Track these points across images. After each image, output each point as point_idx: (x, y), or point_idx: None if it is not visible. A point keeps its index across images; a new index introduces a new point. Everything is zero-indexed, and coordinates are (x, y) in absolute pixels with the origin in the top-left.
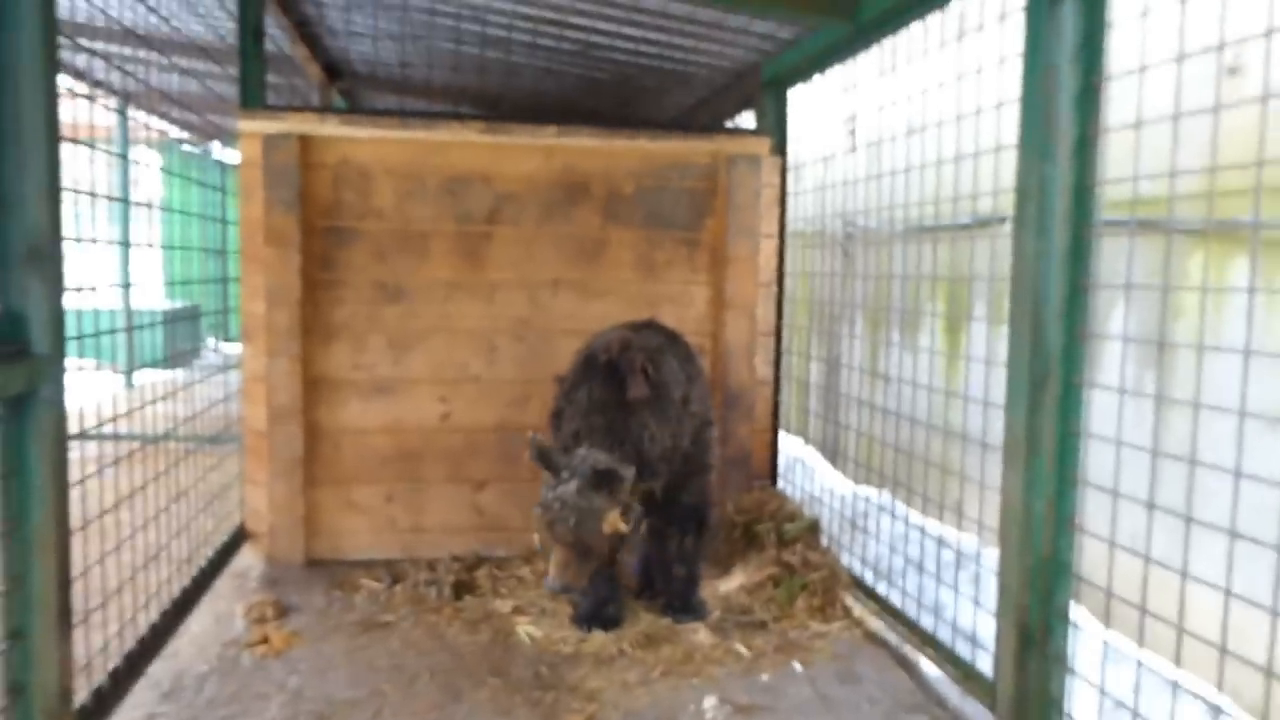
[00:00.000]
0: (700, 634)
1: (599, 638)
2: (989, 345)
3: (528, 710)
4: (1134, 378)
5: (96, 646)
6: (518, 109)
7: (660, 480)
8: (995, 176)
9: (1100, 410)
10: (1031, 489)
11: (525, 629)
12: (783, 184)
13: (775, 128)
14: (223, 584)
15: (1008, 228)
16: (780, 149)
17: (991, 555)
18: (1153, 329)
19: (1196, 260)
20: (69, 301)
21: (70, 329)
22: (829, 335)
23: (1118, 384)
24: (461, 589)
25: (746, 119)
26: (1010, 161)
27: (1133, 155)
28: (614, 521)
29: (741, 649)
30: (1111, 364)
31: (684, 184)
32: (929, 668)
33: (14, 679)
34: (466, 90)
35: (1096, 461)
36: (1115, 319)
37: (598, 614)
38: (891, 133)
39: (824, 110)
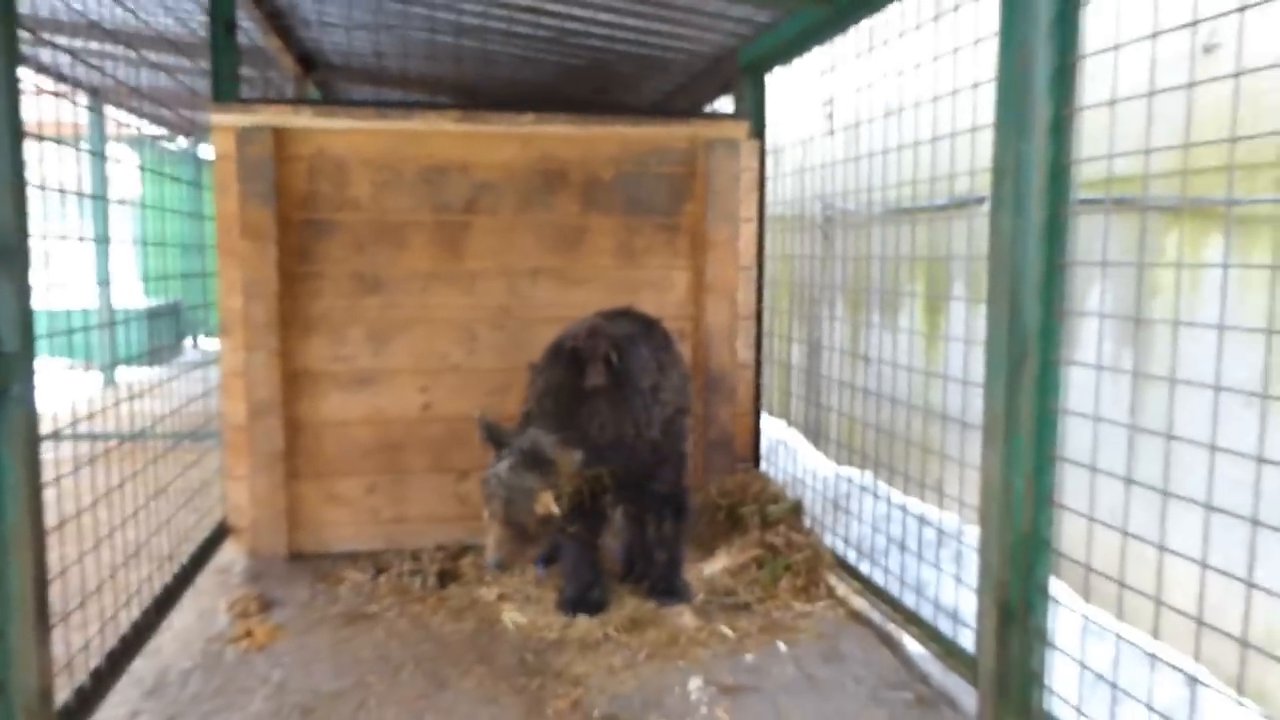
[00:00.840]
0: (685, 617)
1: (584, 623)
2: (968, 324)
3: (513, 697)
4: (1111, 355)
5: (77, 645)
6: (495, 98)
7: (610, 467)
8: (972, 156)
9: (1078, 387)
10: (1011, 466)
11: (510, 616)
12: (761, 168)
13: (753, 112)
14: (205, 580)
15: (985, 207)
16: (759, 133)
17: (972, 533)
18: (1130, 306)
19: (1172, 237)
20: (46, 300)
21: (47, 327)
22: (810, 318)
23: (1095, 361)
24: (446, 578)
25: (725, 104)
26: (987, 141)
27: (1108, 133)
28: (545, 503)
29: (726, 630)
30: (1089, 341)
31: (663, 169)
32: (912, 645)
33: None
34: (443, 80)
35: (1075, 438)
36: (1093, 297)
37: (582, 600)
38: (869, 114)
39: (802, 93)
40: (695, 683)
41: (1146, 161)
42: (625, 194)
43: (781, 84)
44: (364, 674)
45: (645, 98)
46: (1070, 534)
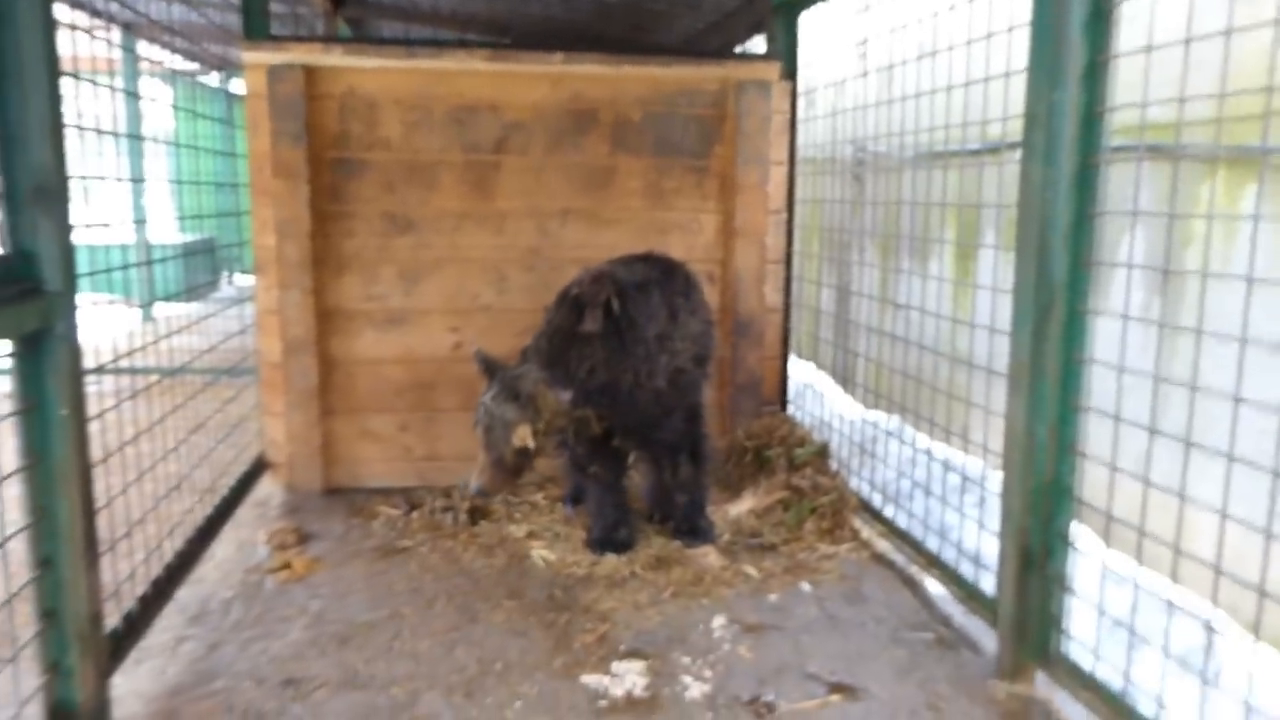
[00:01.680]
0: (710, 556)
1: (611, 561)
2: (998, 272)
3: (542, 631)
4: (1141, 305)
5: (124, 574)
6: (527, 36)
7: (601, 411)
8: (1005, 102)
9: (1106, 337)
10: (1035, 414)
11: (539, 553)
12: (793, 110)
13: (786, 52)
14: (244, 512)
15: (1018, 154)
16: (791, 74)
17: (996, 479)
18: (1161, 256)
19: (1206, 187)
20: (84, 238)
21: (86, 265)
22: (839, 263)
23: (1124, 311)
24: (477, 515)
25: (757, 44)
26: (1021, 87)
27: (1143, 80)
28: (522, 436)
29: (751, 570)
30: (1119, 291)
31: (693, 111)
32: (934, 587)
33: (46, 605)
34: (475, 17)
35: (1100, 387)
36: (1124, 246)
37: (609, 539)
38: (904, 56)
39: (836, 34)
40: (719, 620)
41: (1181, 109)
42: (655, 135)
43: (815, 24)
44: (398, 606)
45: (677, 37)
46: (1093, 482)
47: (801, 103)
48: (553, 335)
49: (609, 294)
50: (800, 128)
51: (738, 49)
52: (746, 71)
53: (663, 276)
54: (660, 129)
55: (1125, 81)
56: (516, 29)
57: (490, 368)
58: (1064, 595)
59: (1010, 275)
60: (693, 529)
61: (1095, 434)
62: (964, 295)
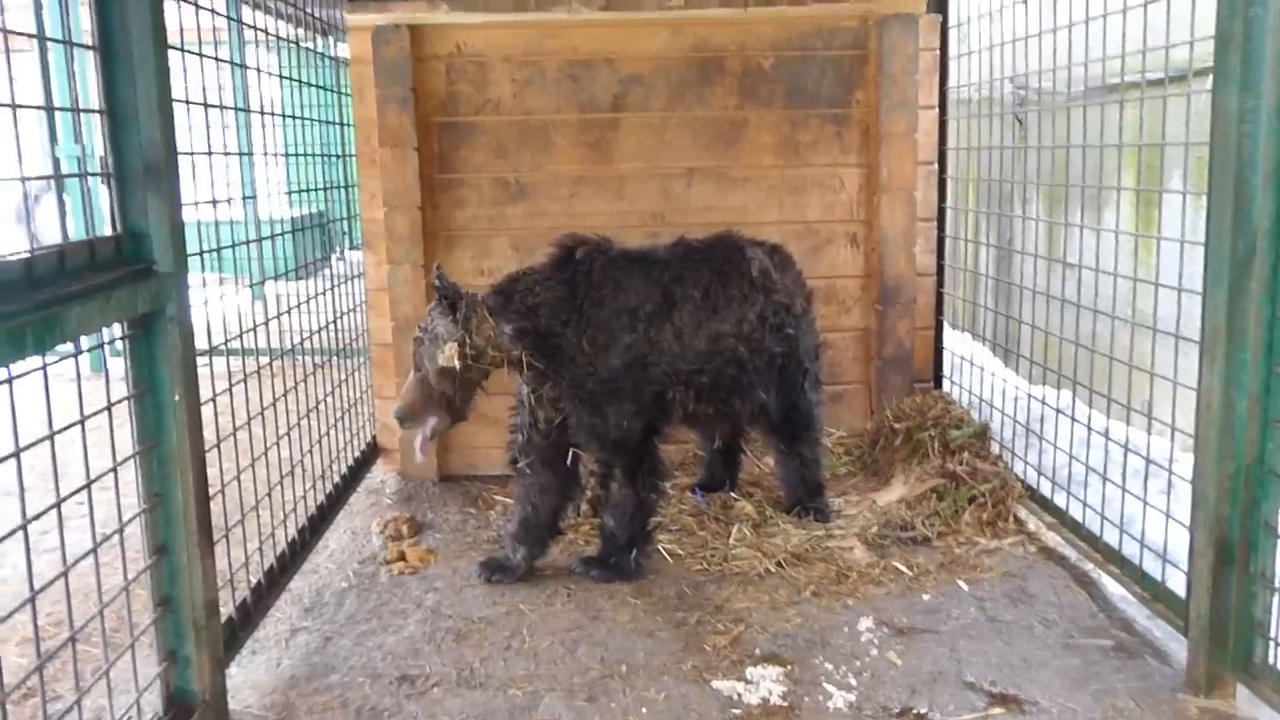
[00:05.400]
0: (856, 551)
1: (746, 555)
2: (1187, 222)
3: (670, 631)
4: None
5: (237, 562)
6: None
7: (532, 357)
8: (1192, 22)
9: None
10: (1233, 384)
11: (667, 546)
12: (943, 46)
13: None
14: (357, 500)
15: (1208, 82)
16: (940, 5)
17: (1186, 461)
18: None
19: None
20: (192, 215)
21: (194, 243)
22: (1000, 218)
23: None
24: (597, 505)
25: None
26: (1209, 4)
27: None
28: (450, 353)
29: (901, 566)
30: None
31: (829, 53)
32: (1112, 586)
33: (163, 592)
34: None
35: None
36: None
37: (496, 560)
38: None
39: None
40: (865, 622)
41: None
42: (788, 83)
43: None
44: (516, 601)
45: None
46: None
47: (953, 37)
48: (524, 272)
49: (581, 243)
50: (952, 65)
51: None
52: (889, 4)
53: (709, 264)
54: (794, 76)
55: None
56: None
57: (443, 288)
58: (1270, 595)
59: (1201, 225)
60: (799, 504)
61: None
62: (1146, 250)
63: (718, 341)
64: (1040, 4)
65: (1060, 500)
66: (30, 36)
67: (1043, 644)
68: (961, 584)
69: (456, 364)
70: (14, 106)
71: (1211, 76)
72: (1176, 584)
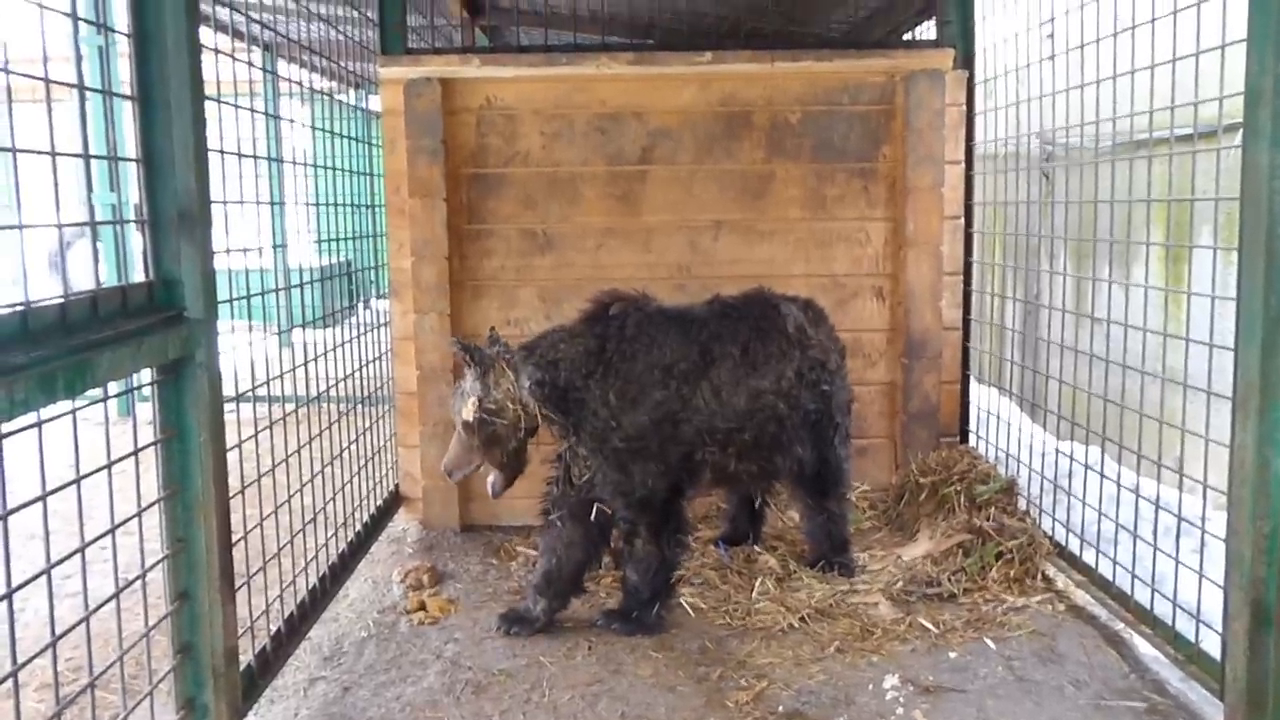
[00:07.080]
0: (881, 607)
1: (769, 610)
2: (1218, 277)
3: (693, 686)
4: None
5: (257, 609)
6: (672, 35)
7: (547, 408)
8: (1221, 78)
9: None
10: (1267, 442)
11: (689, 600)
12: (970, 101)
13: (960, 37)
14: (379, 549)
15: (1238, 138)
16: (966, 61)
17: (1220, 519)
18: None
19: None
20: (223, 263)
21: (223, 290)
22: (1027, 272)
23: None
24: (620, 557)
25: (927, 30)
26: (1240, 59)
27: None
28: (470, 408)
29: (926, 623)
30: None
31: (856, 108)
32: (1144, 647)
33: (183, 639)
34: (616, 18)
35: None
36: None
37: (517, 613)
38: (1097, 33)
39: (1016, 11)
40: (891, 680)
41: None
42: (815, 137)
43: (992, 2)
44: (537, 654)
45: (835, 28)
46: None
47: (979, 92)
48: (556, 327)
49: (618, 299)
50: (978, 120)
51: (905, 36)
52: (916, 60)
53: (746, 322)
54: (821, 130)
55: None
56: (660, 28)
57: (465, 350)
58: None
59: (1233, 280)
60: (821, 560)
61: None
62: (1176, 305)
63: (758, 399)
64: (1068, 60)
65: (1089, 557)
66: (71, 86)
67: (1073, 705)
68: (989, 642)
69: (470, 417)
70: (53, 154)
71: (1241, 132)
72: (1211, 645)
